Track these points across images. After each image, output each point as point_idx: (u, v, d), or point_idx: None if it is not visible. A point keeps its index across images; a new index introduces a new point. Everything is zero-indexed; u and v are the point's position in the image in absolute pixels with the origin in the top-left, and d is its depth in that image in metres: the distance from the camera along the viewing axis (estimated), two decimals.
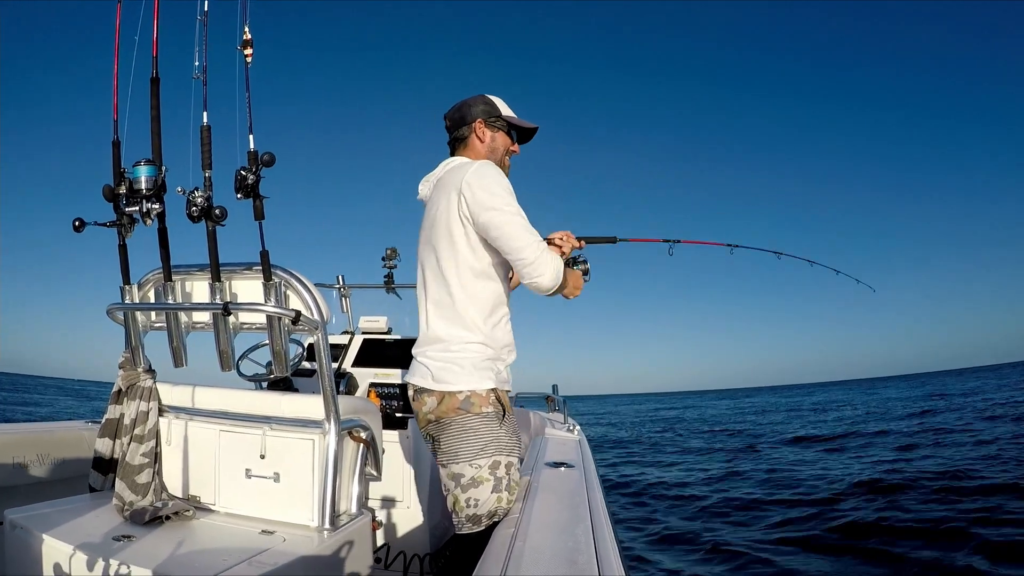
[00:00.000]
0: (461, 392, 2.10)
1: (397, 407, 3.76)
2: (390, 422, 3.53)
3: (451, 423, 2.10)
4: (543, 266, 2.06)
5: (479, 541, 1.84)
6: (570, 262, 2.41)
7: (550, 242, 2.39)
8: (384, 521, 3.33)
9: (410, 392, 2.26)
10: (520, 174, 2.45)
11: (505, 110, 2.38)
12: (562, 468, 2.41)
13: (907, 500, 7.81)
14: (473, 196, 2.07)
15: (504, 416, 2.15)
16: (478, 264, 2.15)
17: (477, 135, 2.35)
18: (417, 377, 2.20)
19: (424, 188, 2.40)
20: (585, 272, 2.43)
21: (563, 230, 2.42)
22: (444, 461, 2.14)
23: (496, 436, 2.10)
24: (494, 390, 2.14)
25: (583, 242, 2.49)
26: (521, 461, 2.29)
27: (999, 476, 8.73)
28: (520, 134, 2.44)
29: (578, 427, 3.66)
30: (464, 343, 2.13)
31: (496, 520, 2.04)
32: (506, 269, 2.23)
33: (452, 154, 2.40)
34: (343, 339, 4.47)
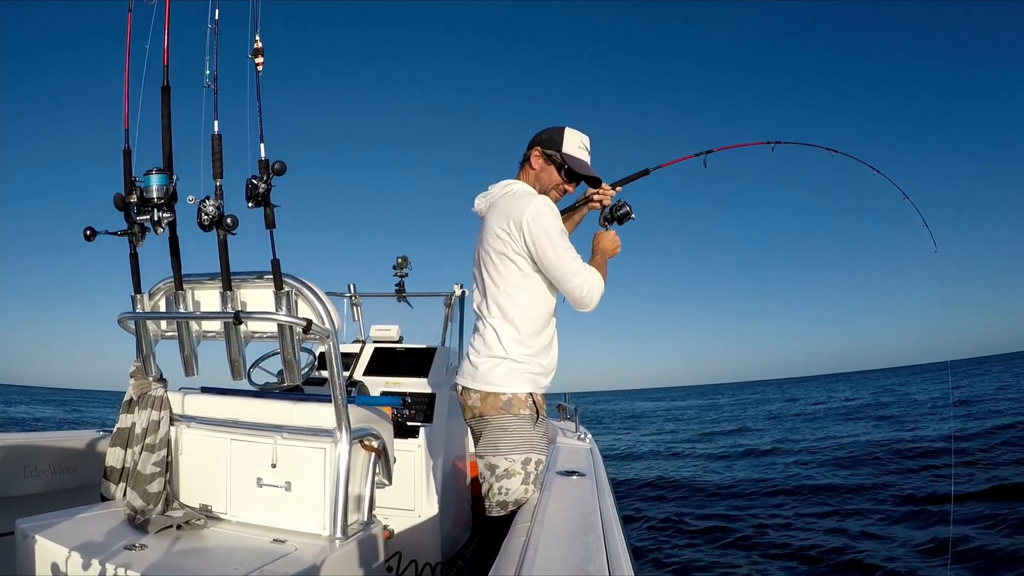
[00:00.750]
0: (504, 394, 2.31)
1: (409, 416, 3.75)
2: (402, 431, 3.53)
3: (492, 420, 2.32)
4: (591, 297, 2.33)
5: (506, 523, 2.03)
6: (612, 213, 2.61)
7: (589, 200, 2.64)
8: (395, 530, 3.32)
9: (458, 388, 2.47)
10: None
11: (570, 147, 2.46)
12: (574, 476, 2.41)
13: None
14: (532, 237, 2.26)
15: (538, 419, 2.37)
16: (530, 287, 2.36)
17: (531, 161, 2.49)
18: (466, 377, 2.41)
19: (480, 203, 2.54)
20: (627, 215, 2.59)
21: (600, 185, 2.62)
22: (482, 453, 2.37)
23: (530, 436, 2.33)
24: (531, 394, 2.36)
25: (619, 187, 2.68)
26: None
27: None
28: (578, 175, 2.50)
29: (590, 435, 3.65)
30: (512, 353, 2.33)
31: (519, 506, 2.22)
32: (555, 291, 2.42)
33: (518, 173, 2.54)
34: (354, 348, 4.46)
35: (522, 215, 2.26)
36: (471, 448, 3.01)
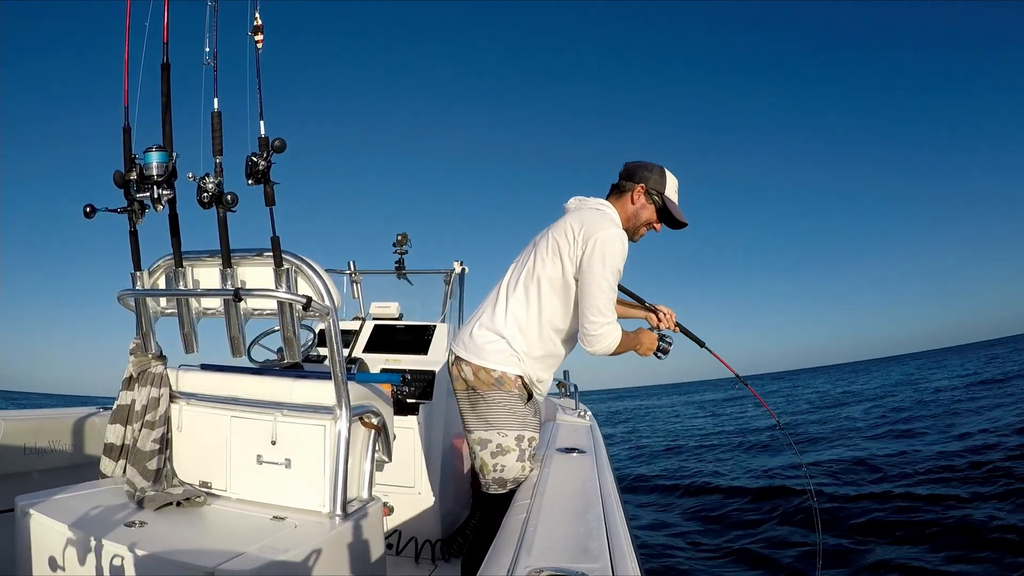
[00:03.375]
0: (495, 371, 2.34)
1: (409, 393, 3.76)
2: (401, 408, 3.54)
3: (485, 395, 2.35)
4: (602, 342, 2.32)
5: (506, 500, 2.09)
6: (658, 335, 2.68)
7: (656, 310, 2.76)
8: (395, 507, 3.34)
9: (451, 357, 2.51)
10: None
11: (670, 191, 2.54)
12: (574, 454, 2.42)
13: None
14: (591, 256, 2.28)
15: (529, 399, 2.44)
16: (565, 300, 2.39)
17: (633, 196, 2.52)
18: (460, 346, 2.46)
19: (571, 203, 2.59)
20: (664, 351, 2.65)
21: (671, 308, 2.79)
22: (472, 427, 2.40)
23: (522, 413, 2.38)
24: (521, 377, 2.39)
25: (678, 328, 2.83)
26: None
27: None
28: (669, 217, 2.57)
29: (589, 412, 3.66)
30: (512, 338, 2.37)
31: (518, 484, 2.26)
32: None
33: (609, 193, 2.58)
34: (354, 325, 4.46)
35: (596, 232, 2.29)
36: None
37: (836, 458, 10.28)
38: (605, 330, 2.30)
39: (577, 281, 2.34)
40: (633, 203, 2.52)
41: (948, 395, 19.44)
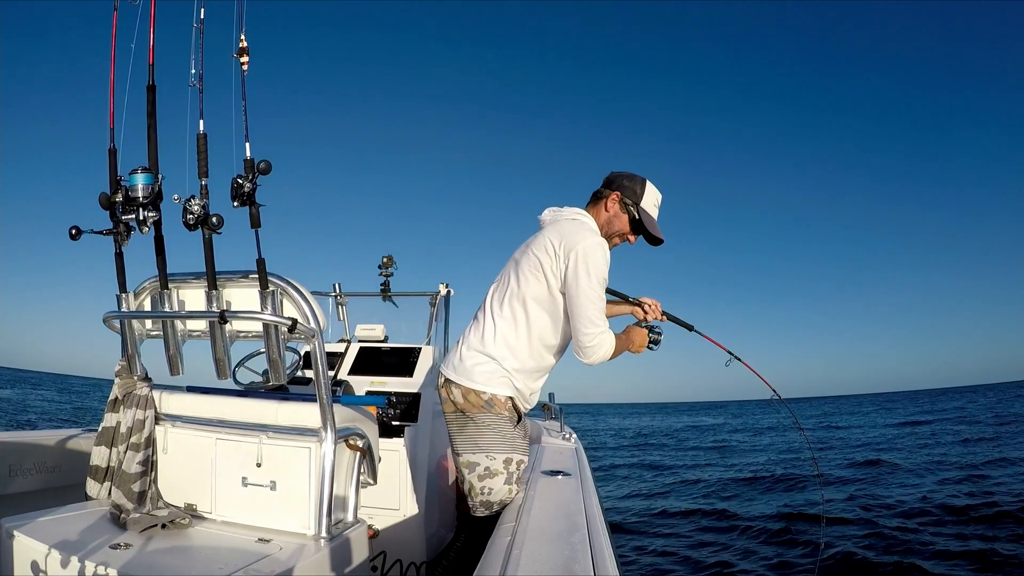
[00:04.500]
0: (485, 393, 2.34)
1: (394, 415, 3.75)
2: (387, 430, 3.52)
3: (474, 417, 2.35)
4: (597, 352, 2.32)
5: (491, 522, 2.08)
6: (646, 327, 2.69)
7: (640, 304, 2.76)
8: (380, 529, 3.32)
9: (440, 379, 2.49)
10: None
11: (647, 203, 2.51)
12: (559, 476, 2.42)
13: None
14: (574, 267, 2.27)
15: (519, 421, 2.43)
16: (550, 313, 2.38)
17: (607, 204, 2.51)
18: (450, 368, 2.45)
19: (547, 216, 2.56)
20: (656, 341, 2.67)
21: (654, 299, 2.81)
22: (461, 450, 2.40)
23: (512, 436, 2.37)
24: (511, 398, 2.40)
25: (665, 316, 2.84)
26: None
27: None
28: (645, 230, 2.54)
29: (574, 435, 3.66)
30: (501, 358, 2.36)
31: (504, 507, 2.25)
32: (567, 335, 2.44)
33: (588, 202, 2.58)
34: (339, 347, 4.45)
35: (576, 244, 2.28)
36: None
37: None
38: (599, 340, 2.30)
39: (563, 294, 2.33)
40: (607, 210, 2.50)
41: None
